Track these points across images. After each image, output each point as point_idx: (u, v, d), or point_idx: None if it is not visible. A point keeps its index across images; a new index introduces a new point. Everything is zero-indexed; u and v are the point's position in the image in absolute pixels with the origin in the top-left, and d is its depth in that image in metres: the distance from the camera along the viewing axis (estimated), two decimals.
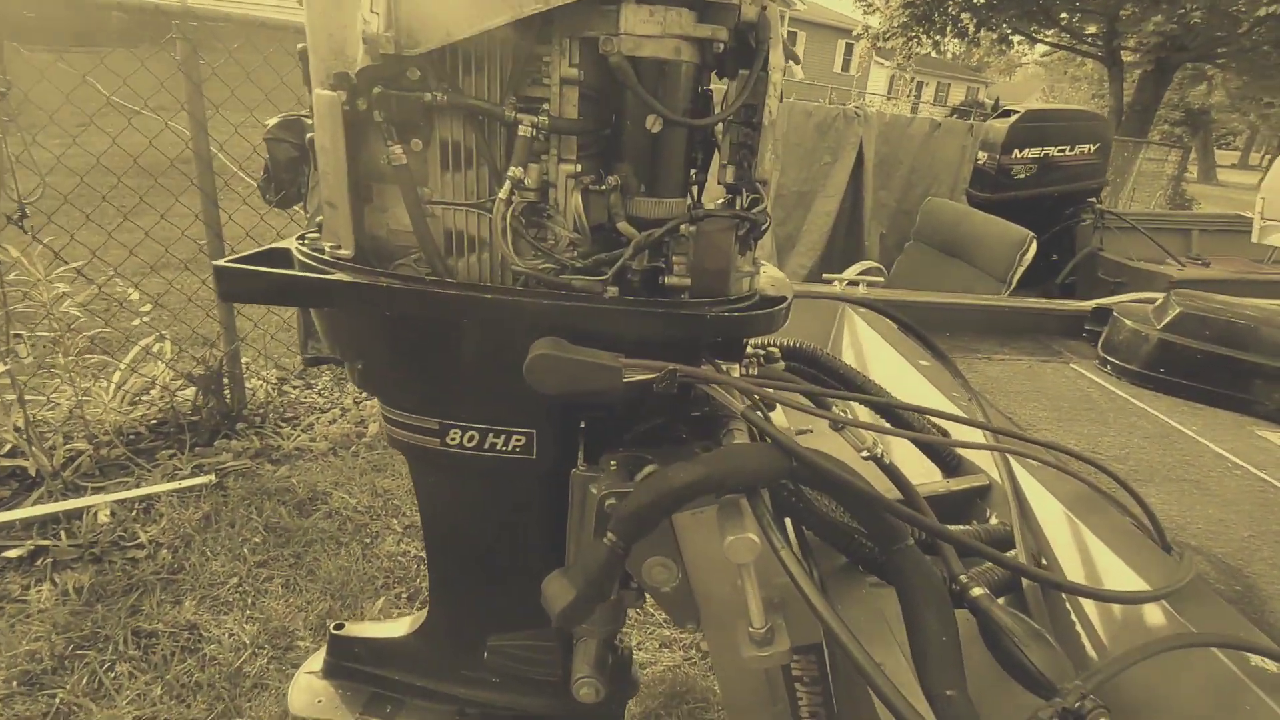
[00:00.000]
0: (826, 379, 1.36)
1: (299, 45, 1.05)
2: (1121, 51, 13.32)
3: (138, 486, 2.72)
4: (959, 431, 1.37)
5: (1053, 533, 1.21)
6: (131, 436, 2.89)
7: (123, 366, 2.90)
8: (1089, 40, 14.37)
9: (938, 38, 14.88)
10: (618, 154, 0.95)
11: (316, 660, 1.50)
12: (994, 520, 1.33)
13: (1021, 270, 4.18)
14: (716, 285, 0.99)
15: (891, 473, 1.09)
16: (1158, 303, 2.20)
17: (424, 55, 0.90)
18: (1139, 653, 0.85)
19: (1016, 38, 15.17)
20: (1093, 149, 4.86)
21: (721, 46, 0.89)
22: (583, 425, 1.23)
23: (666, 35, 0.86)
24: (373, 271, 0.98)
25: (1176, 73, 13.61)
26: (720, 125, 0.99)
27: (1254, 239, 5.42)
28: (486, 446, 1.14)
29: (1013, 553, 1.18)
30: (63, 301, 2.63)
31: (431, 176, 1.00)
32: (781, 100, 0.96)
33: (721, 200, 1.06)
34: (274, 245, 1.14)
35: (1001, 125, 4.76)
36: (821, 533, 1.05)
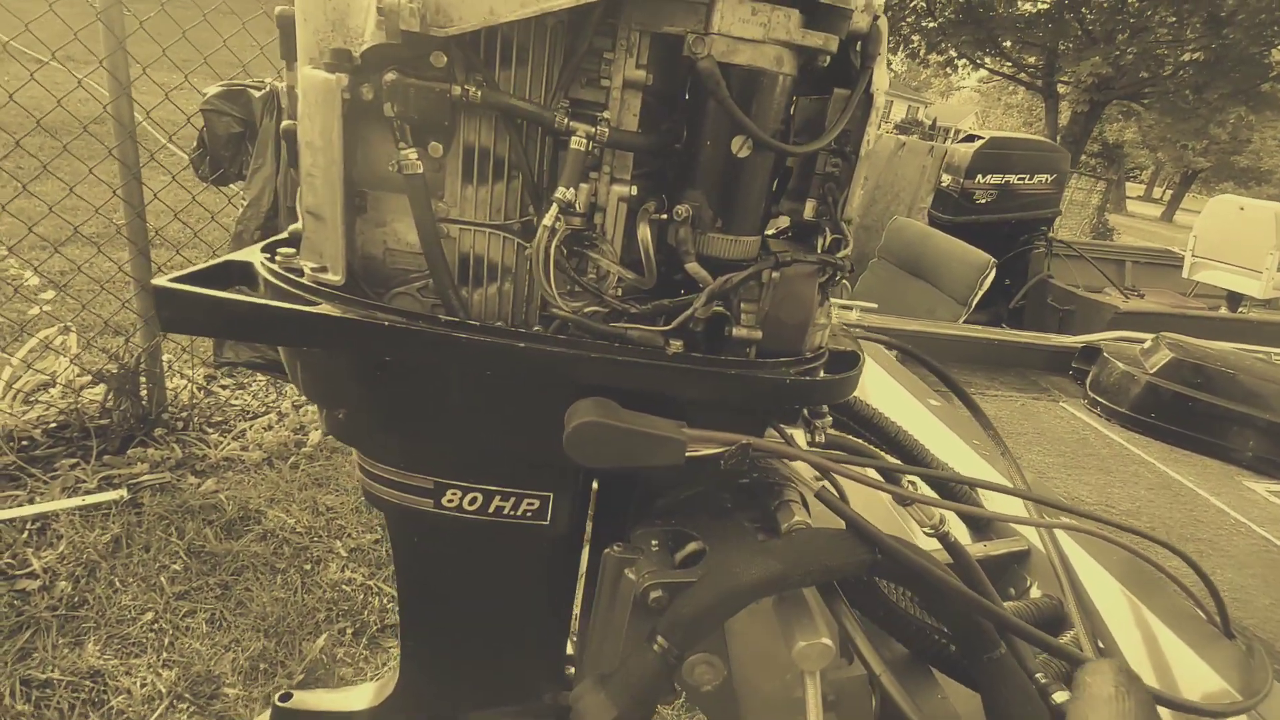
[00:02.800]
0: (864, 433, 1.23)
1: (278, 8, 0.83)
2: (1058, 85, 14.05)
3: (30, 502, 2.35)
4: (1001, 499, 1.27)
5: (1109, 611, 1.12)
6: (25, 443, 2.49)
7: (15, 361, 2.49)
8: (1029, 71, 15.08)
9: (890, 56, 15.26)
10: (687, 178, 0.78)
11: None
12: (1035, 590, 1.24)
13: (981, 293, 4.26)
14: (792, 341, 0.84)
15: (956, 553, 0.97)
16: (1146, 345, 2.20)
17: (455, 37, 0.70)
18: None
19: (962, 61, 15.75)
20: (1050, 179, 5.00)
21: (828, 60, 0.74)
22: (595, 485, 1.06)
23: (769, 40, 0.70)
24: (369, 305, 0.78)
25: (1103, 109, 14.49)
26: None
27: (1185, 274, 5.74)
28: (491, 510, 0.96)
29: (1071, 634, 1.09)
30: None
31: (449, 188, 0.81)
32: (879, 129, 0.81)
33: (773, 232, 0.91)
34: (230, 258, 0.91)
35: (967, 150, 4.82)
36: (888, 625, 0.92)
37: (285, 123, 0.86)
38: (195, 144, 2.44)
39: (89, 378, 2.59)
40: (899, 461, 1.20)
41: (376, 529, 2.62)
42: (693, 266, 0.77)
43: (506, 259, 0.84)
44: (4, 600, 2.04)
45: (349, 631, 2.21)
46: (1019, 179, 4.89)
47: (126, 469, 2.53)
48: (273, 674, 2.01)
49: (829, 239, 0.84)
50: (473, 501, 0.95)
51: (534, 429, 0.83)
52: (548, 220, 0.74)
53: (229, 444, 2.77)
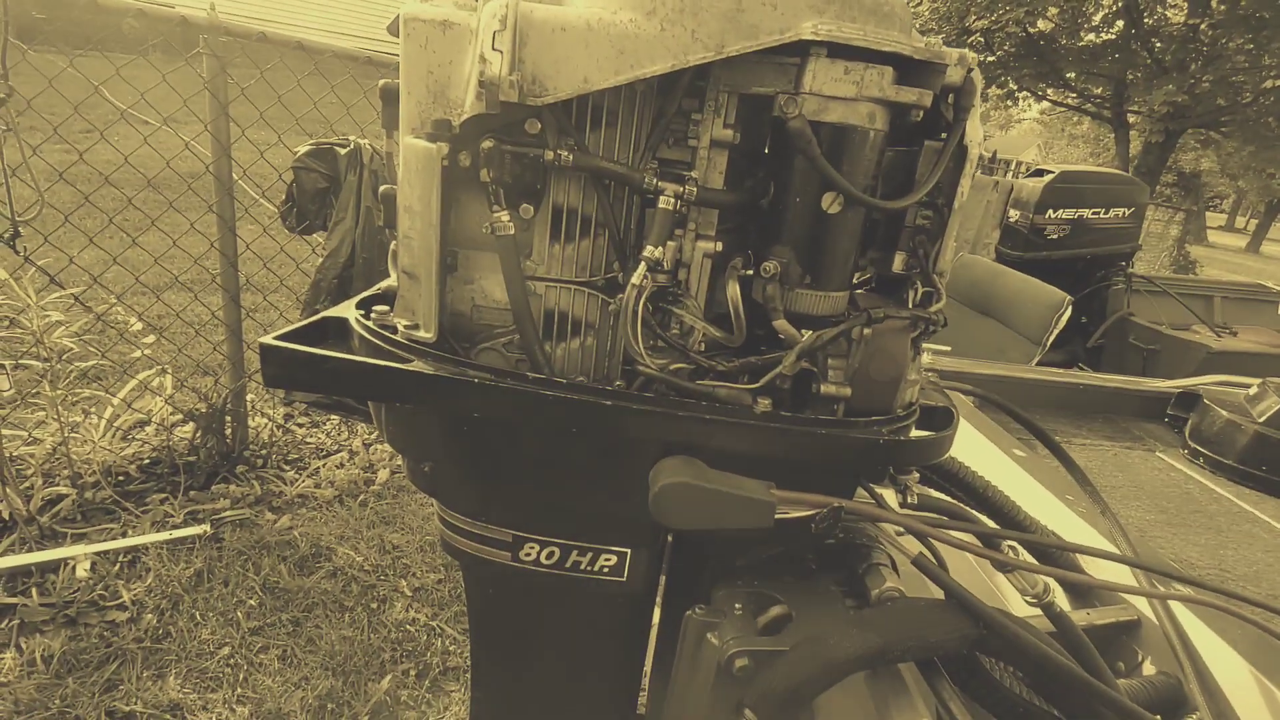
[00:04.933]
0: (951, 489, 1.17)
1: (381, 81, 0.88)
2: (1128, 115, 13.58)
3: (124, 535, 2.48)
4: (1107, 564, 1.18)
5: (1235, 692, 1.02)
6: (120, 478, 2.65)
7: (116, 401, 2.67)
8: (1095, 101, 14.64)
9: None
10: (774, 234, 0.78)
11: None
12: (1149, 665, 1.13)
13: (1056, 332, 4.07)
14: (883, 399, 0.81)
15: (1064, 625, 0.90)
16: (1252, 391, 2.04)
17: (549, 105, 0.73)
18: None
19: (1023, 94, 15.43)
20: (1127, 213, 4.79)
21: (921, 115, 0.73)
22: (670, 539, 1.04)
23: (861, 98, 0.69)
24: (461, 363, 0.80)
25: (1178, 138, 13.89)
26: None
27: None
28: (569, 565, 0.95)
29: (1195, 717, 0.99)
30: (54, 330, 2.42)
31: (537, 247, 0.83)
32: (973, 180, 0.79)
33: (855, 286, 0.89)
34: (327, 314, 0.95)
35: (1035, 185, 4.68)
36: (992, 704, 0.85)
37: (384, 187, 0.91)
38: (284, 197, 2.61)
39: (180, 416, 2.75)
40: (992, 522, 1.14)
41: (440, 568, 2.65)
42: (781, 324, 0.76)
43: (590, 314, 0.85)
44: (95, 631, 2.14)
45: (412, 673, 2.22)
46: (1093, 213, 4.70)
47: (210, 504, 2.65)
48: (339, 714, 2.03)
49: (920, 292, 0.82)
50: (550, 556, 0.95)
51: (617, 486, 0.82)
52: (636, 279, 0.74)
53: (303, 481, 2.87)
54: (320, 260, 2.53)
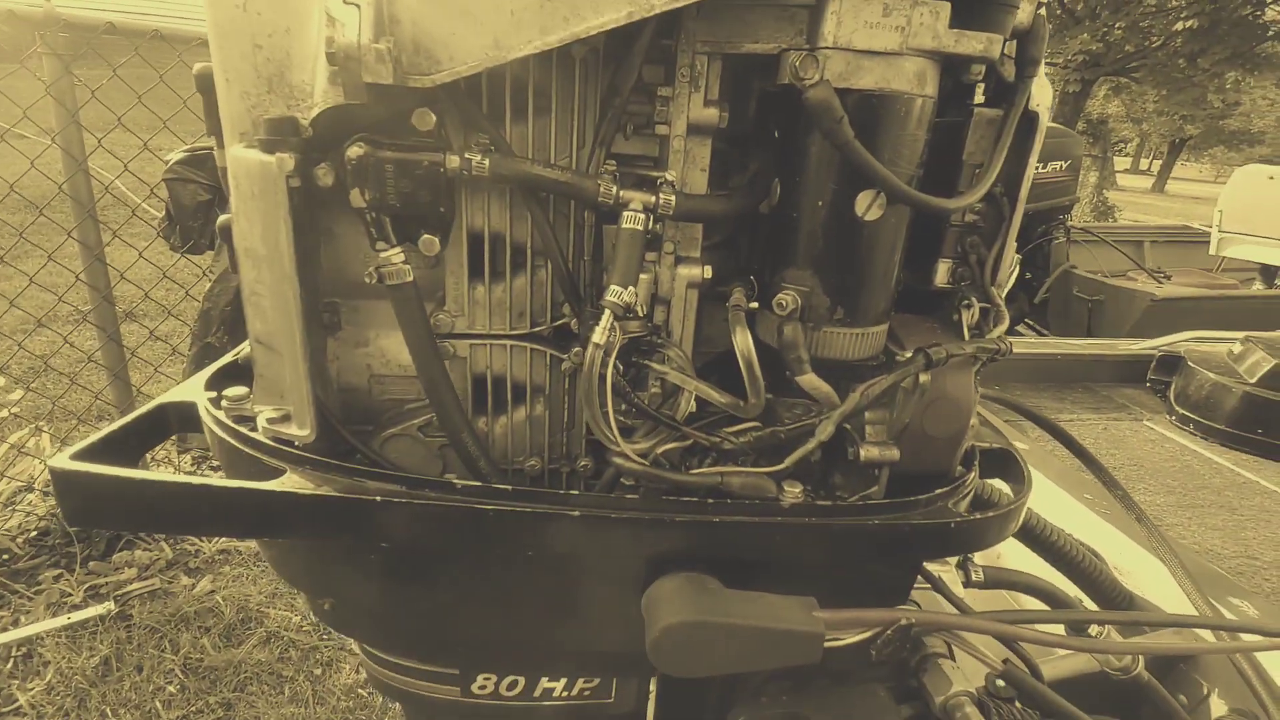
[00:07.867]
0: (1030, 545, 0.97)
1: (197, 66, 0.60)
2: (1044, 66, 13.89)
3: (15, 624, 2.11)
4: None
5: None
6: (5, 556, 2.26)
7: None
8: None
9: None
10: (786, 252, 0.56)
11: None
12: (1216, 700, 0.99)
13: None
14: (941, 459, 0.60)
15: (1151, 695, 0.74)
16: (1236, 350, 1.96)
17: (446, 87, 0.48)
18: None
19: None
20: (1064, 166, 4.77)
21: (982, 73, 0.51)
22: None
23: (908, 51, 0.47)
24: (352, 470, 0.55)
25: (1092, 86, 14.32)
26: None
27: (1212, 250, 5.52)
28: (538, 694, 0.73)
29: None
30: None
31: (451, 291, 0.58)
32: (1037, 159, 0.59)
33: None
34: (165, 400, 0.68)
35: None
36: None
37: (221, 218, 0.64)
38: (162, 215, 2.24)
39: None
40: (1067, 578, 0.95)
41: None
42: (809, 379, 0.54)
43: (537, 376, 0.62)
44: None
45: None
46: None
47: (114, 576, 2.30)
48: None
49: (975, 312, 0.62)
50: (512, 686, 0.72)
51: (596, 618, 0.60)
52: (599, 335, 0.51)
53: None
54: (209, 285, 2.18)
